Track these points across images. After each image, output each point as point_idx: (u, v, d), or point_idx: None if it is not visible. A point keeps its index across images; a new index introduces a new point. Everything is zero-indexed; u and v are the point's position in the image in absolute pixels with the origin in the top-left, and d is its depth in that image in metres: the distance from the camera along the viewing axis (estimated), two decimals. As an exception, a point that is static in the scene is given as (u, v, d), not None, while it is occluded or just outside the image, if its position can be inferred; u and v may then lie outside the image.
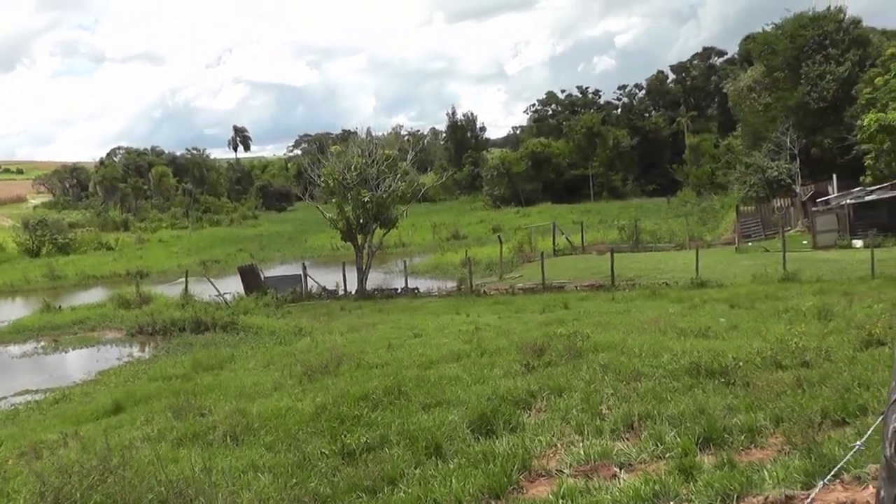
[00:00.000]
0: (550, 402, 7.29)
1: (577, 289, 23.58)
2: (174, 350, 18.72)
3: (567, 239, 40.18)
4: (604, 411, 6.75)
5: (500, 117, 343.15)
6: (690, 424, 5.97)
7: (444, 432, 6.37)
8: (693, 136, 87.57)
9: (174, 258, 49.48)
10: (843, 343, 8.69)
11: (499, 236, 34.94)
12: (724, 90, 54.90)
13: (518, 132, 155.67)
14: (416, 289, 27.15)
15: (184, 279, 29.34)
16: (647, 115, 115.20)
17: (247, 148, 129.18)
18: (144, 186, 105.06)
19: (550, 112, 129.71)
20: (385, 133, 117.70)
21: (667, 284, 22.16)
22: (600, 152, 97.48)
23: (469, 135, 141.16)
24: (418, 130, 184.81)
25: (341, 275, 27.63)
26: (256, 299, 26.04)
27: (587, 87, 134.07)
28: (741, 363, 7.67)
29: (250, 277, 28.20)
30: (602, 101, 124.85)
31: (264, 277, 29.08)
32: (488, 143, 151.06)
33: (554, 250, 38.20)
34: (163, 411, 9.14)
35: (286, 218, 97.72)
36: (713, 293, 18.35)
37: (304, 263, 30.13)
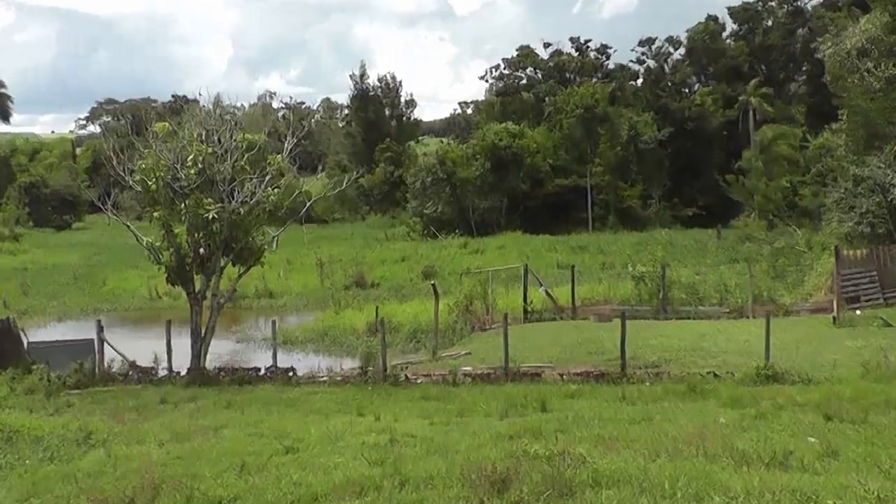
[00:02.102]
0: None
1: (564, 378, 18.29)
2: None
3: (547, 293, 30.24)
4: None
5: (442, 85, 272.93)
6: None
7: None
8: (764, 127, 69.81)
9: None
10: None
11: (433, 285, 26.54)
12: (819, 53, 40.23)
13: (470, 111, 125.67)
14: (292, 370, 21.09)
15: None
16: (686, 90, 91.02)
17: (5, 118, 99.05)
18: None
19: (525, 79, 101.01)
20: (247, 105, 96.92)
21: (715, 375, 17.36)
22: (606, 150, 76.65)
23: (388, 113, 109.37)
24: (302, 103, 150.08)
25: (164, 342, 21.11)
26: (12, 381, 19.52)
27: (587, 42, 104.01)
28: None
29: (1, 342, 20.80)
30: (612, 64, 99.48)
31: (28, 343, 22.09)
32: (419, 129, 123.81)
33: (526, 312, 28.74)
34: None
35: (71, 240, 75.28)
36: (794, 393, 14.57)
37: (99, 321, 22.22)
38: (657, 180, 72.62)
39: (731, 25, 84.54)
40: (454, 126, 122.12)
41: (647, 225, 68.12)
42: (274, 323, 23.18)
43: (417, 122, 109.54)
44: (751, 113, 71.39)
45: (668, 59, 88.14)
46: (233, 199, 21.46)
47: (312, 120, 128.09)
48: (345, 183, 31.36)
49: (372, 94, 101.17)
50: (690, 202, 72.92)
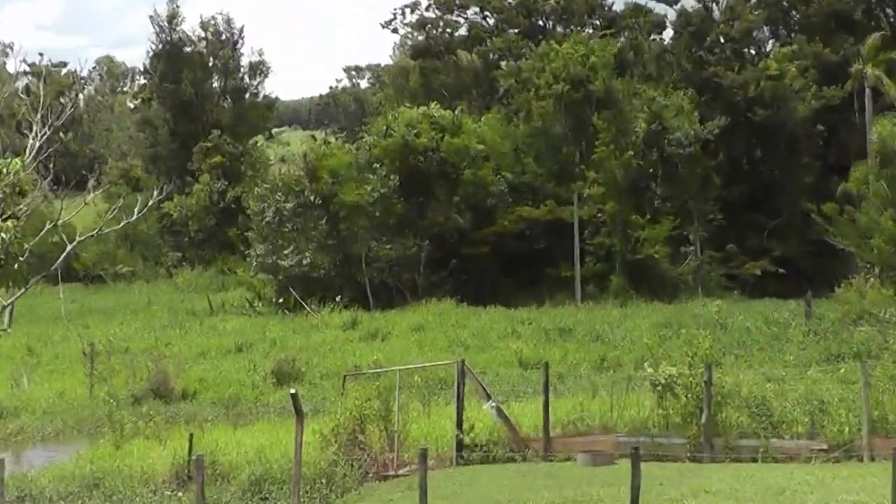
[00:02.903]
0: None
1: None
2: None
3: (499, 413, 23.37)
4: None
5: (317, 40, 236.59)
6: None
7: None
8: (889, 120, 48.35)
9: None
10: None
11: (293, 397, 19.14)
12: None
13: (365, 84, 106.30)
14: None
15: None
16: (752, 52, 66.39)
17: None
18: None
19: (463, 28, 75.17)
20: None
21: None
22: (607, 157, 54.97)
23: (218, 85, 76.63)
24: (64, 64, 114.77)
25: None
26: None
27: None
28: None
29: None
30: (619, 3, 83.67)
31: None
32: (274, 115, 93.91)
33: (461, 446, 22.27)
34: None
35: None
36: None
37: None
38: (699, 212, 57.75)
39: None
40: (335, 110, 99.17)
41: (679, 291, 53.84)
42: (0, 464, 18.01)
43: (271, 103, 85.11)
44: (867, 95, 53.79)
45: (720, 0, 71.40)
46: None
47: (81, 95, 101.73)
48: (137, 211, 23.31)
49: (189, 50, 75.93)
50: (758, 252, 57.43)
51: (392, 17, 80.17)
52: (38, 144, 18.66)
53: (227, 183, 71.41)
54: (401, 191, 55.86)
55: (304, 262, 55.90)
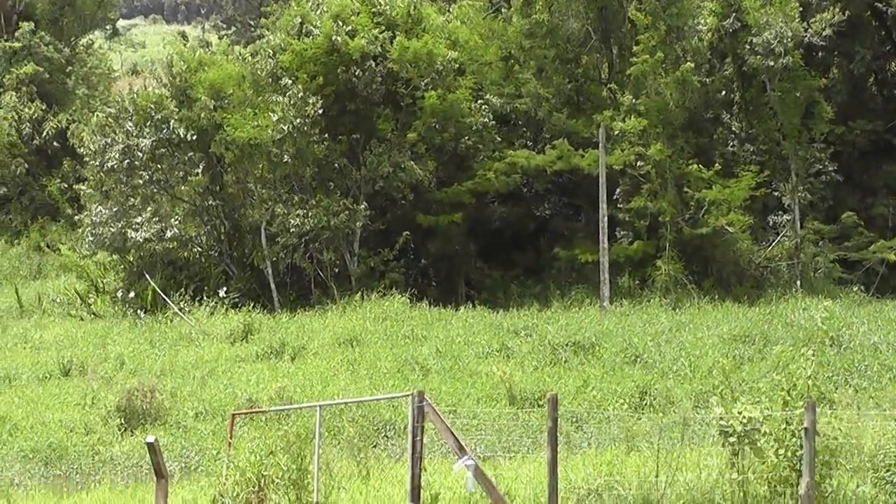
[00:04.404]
0: None
1: None
2: None
3: (471, 472, 21.31)
4: None
5: None
6: None
7: None
8: None
9: None
10: None
11: (150, 447, 19.07)
12: None
13: None
14: None
15: None
16: None
17: None
18: None
19: None
20: None
21: None
22: (648, 71, 53.17)
23: None
24: None
25: None
26: None
27: None
28: None
29: None
30: None
31: None
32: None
33: None
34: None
35: None
36: None
37: None
38: (798, 161, 54.61)
39: None
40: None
41: (766, 286, 52.69)
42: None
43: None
44: None
45: None
46: None
47: None
48: None
49: None
50: (894, 227, 58.87)
51: None
52: None
53: (45, 107, 73.36)
54: (324, 123, 55.55)
55: (169, 233, 56.53)
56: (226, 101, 55.97)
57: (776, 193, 59.47)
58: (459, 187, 56.97)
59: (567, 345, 43.40)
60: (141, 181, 56.38)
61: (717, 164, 56.04)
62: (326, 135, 55.18)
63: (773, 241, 58.84)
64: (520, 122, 61.43)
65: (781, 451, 23.06)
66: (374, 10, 58.30)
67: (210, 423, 34.21)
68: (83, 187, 60.90)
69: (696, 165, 55.77)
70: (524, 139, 60.23)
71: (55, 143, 73.36)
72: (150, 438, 20.86)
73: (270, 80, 56.61)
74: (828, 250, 58.01)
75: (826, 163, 58.94)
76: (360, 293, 53.15)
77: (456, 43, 59.32)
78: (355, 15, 57.37)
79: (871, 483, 24.41)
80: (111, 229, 55.99)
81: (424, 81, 56.70)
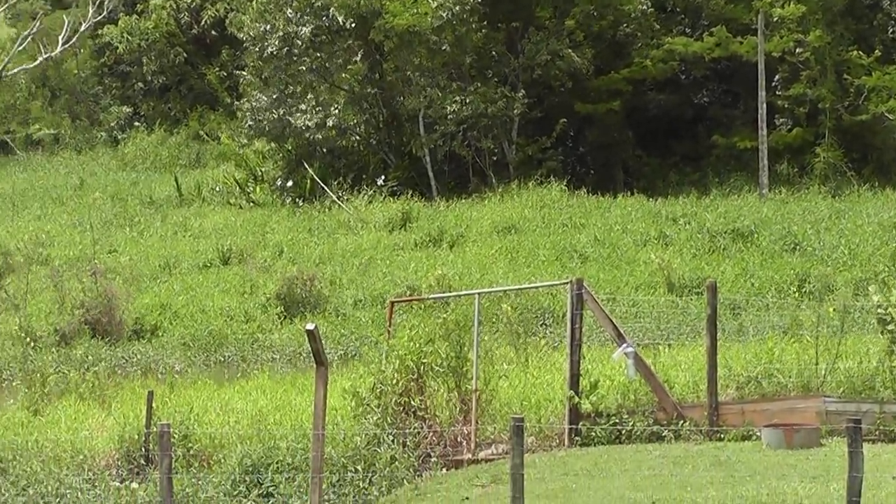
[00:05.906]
0: None
1: None
2: None
3: (631, 360, 21.51)
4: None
5: None
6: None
7: None
8: None
9: None
10: None
11: (309, 334, 17.01)
12: None
13: None
14: None
15: None
16: None
17: None
18: None
19: None
20: None
21: None
22: None
23: None
24: None
25: None
26: None
27: None
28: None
29: None
30: None
31: None
32: None
33: (576, 414, 21.67)
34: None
35: None
36: None
37: None
38: None
39: None
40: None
41: None
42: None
43: None
44: None
45: None
46: None
47: None
48: (62, 40, 27.28)
49: None
50: None
51: None
52: None
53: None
54: (483, 10, 56.07)
55: (329, 122, 56.73)
56: (386, -13, 66.12)
57: (938, 78, 66.73)
58: (617, 75, 57.17)
59: (725, 232, 43.42)
60: (300, 70, 56.23)
61: (877, 51, 55.81)
62: (485, 22, 55.73)
63: (937, 126, 66.00)
64: (678, 9, 61.57)
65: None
66: None
67: (369, 311, 34.02)
68: (244, 72, 60.83)
69: (855, 52, 55.56)
70: (682, 26, 60.30)
71: (213, 32, 72.43)
72: (311, 325, 20.56)
73: (430, -35, 66.59)
74: None
75: None
76: (517, 181, 53.62)
77: None
78: None
79: None
80: (271, 117, 55.84)
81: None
